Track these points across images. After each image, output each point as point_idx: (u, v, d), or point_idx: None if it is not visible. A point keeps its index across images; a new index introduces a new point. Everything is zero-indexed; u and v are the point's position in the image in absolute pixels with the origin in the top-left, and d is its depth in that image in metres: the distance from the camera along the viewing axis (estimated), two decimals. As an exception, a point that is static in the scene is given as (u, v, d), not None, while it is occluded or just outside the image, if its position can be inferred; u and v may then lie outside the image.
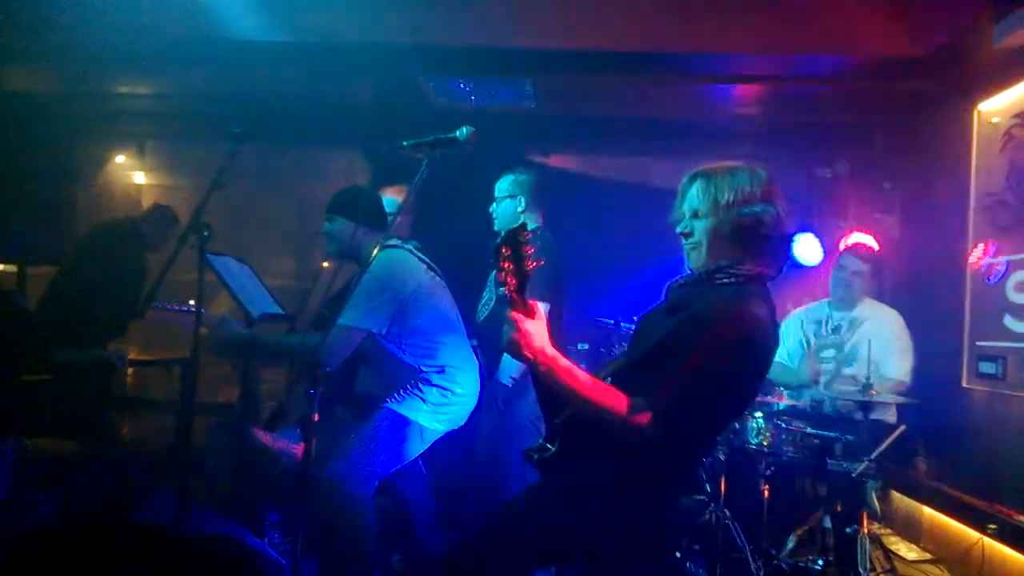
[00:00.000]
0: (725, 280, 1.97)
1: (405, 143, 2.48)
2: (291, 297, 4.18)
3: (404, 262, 3.23)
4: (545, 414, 2.16)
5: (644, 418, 1.81)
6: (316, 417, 2.46)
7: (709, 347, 1.83)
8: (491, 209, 3.86)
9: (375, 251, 3.10)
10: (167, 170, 6.28)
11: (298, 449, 3.82)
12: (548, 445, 2.05)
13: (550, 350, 1.86)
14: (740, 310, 1.88)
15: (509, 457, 3.60)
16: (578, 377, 1.87)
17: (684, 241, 2.08)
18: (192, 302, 3.09)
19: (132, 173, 6.30)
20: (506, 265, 1.85)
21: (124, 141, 6.09)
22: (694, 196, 2.05)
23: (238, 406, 4.12)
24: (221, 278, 3.31)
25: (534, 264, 1.85)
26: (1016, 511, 3.48)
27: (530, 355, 1.84)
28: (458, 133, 2.43)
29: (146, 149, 6.20)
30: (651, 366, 1.92)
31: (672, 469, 2.02)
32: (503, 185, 3.82)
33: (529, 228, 3.65)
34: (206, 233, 2.81)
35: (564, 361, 1.87)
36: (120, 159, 6.19)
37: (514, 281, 1.85)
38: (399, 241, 3.32)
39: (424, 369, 3.18)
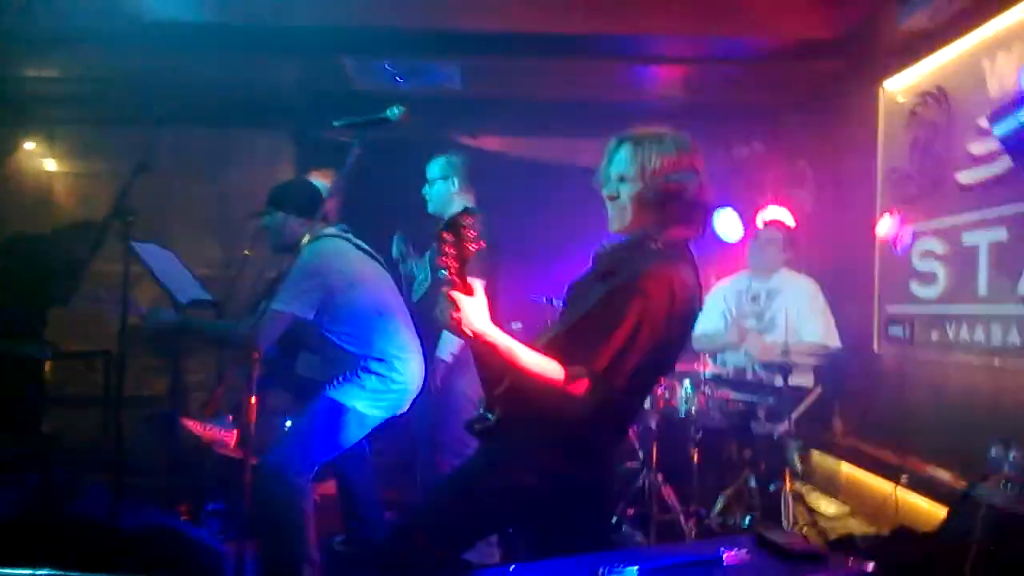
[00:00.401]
0: (652, 246, 2.04)
1: (336, 123, 2.47)
2: (216, 285, 4.11)
3: (335, 250, 3.21)
4: (484, 385, 2.20)
5: (581, 386, 1.89)
6: (253, 401, 2.45)
7: (641, 313, 1.90)
8: (424, 191, 3.86)
9: (305, 240, 3.09)
10: (80, 157, 6.01)
11: (230, 437, 3.78)
12: (488, 415, 2.10)
13: (490, 327, 1.91)
14: (669, 275, 1.96)
15: (448, 437, 3.63)
16: (517, 352, 1.92)
17: (609, 204, 2.15)
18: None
19: (43, 160, 6.03)
20: (448, 249, 1.90)
21: (33, 127, 5.82)
22: (622, 160, 2.10)
23: (168, 397, 4.05)
24: (146, 265, 3.24)
25: (475, 247, 1.90)
26: (925, 463, 3.70)
27: (471, 332, 1.89)
28: (389, 113, 2.44)
29: (57, 135, 5.93)
30: (584, 333, 1.98)
31: (607, 430, 2.09)
32: (435, 167, 3.81)
33: (458, 210, 3.74)
34: (131, 219, 2.75)
35: (504, 337, 1.92)
36: (29, 146, 5.92)
37: (455, 264, 1.90)
38: (335, 230, 3.29)
39: (363, 356, 3.16)
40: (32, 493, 3.09)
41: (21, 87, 5.27)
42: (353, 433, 3.17)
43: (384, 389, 3.17)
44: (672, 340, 2.02)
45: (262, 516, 3.00)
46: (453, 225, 1.89)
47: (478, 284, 1.97)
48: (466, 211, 1.93)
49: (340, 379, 3.15)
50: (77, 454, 3.77)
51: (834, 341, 4.21)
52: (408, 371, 3.26)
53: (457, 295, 1.89)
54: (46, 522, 2.72)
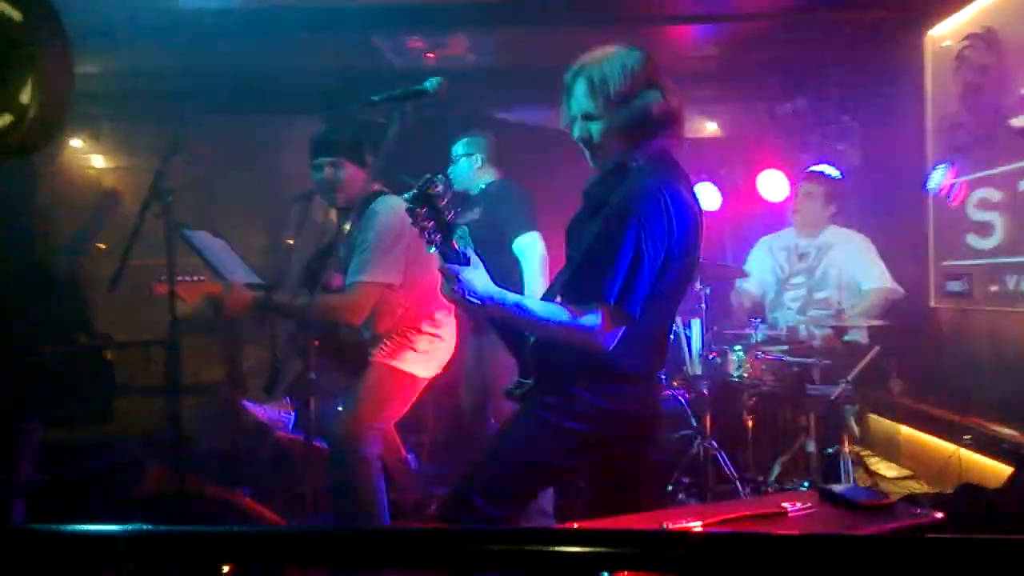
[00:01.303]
0: (634, 164, 2.01)
1: (375, 98, 2.46)
2: (262, 274, 4.15)
3: (403, 207, 3.19)
4: (512, 351, 2.19)
5: (598, 321, 1.86)
6: (312, 377, 2.48)
7: (638, 233, 1.87)
8: (449, 171, 3.87)
9: (368, 196, 3.02)
10: (126, 152, 6.11)
11: (287, 417, 3.85)
12: (524, 380, 2.09)
13: (494, 290, 1.88)
14: (657, 188, 1.92)
15: (498, 407, 3.65)
16: (527, 307, 1.90)
17: (584, 146, 2.10)
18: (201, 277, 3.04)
19: (90, 157, 6.15)
20: (427, 223, 1.86)
21: (79, 124, 5.92)
22: (581, 96, 2.05)
23: (225, 383, 4.13)
24: (199, 251, 3.27)
25: (452, 215, 1.87)
26: (988, 420, 3.61)
27: (476, 301, 1.86)
28: (427, 84, 2.42)
29: (103, 131, 6.04)
30: (590, 269, 1.94)
31: (640, 360, 2.04)
32: (458, 146, 3.86)
33: (485, 183, 3.75)
34: (170, 200, 2.76)
35: (511, 296, 1.90)
36: (76, 143, 6.05)
37: (439, 235, 1.87)
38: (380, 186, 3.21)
39: (414, 318, 3.15)
40: (101, 477, 3.19)
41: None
42: (410, 396, 3.18)
43: (433, 349, 3.18)
44: (680, 253, 1.97)
45: (335, 488, 3.04)
46: (422, 197, 1.84)
47: (471, 252, 1.92)
48: (429, 179, 1.86)
49: (390, 344, 3.12)
50: (142, 440, 3.86)
51: (893, 283, 4.07)
52: (450, 327, 3.27)
53: (453, 267, 1.86)
54: (114, 501, 2.81)
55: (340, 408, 3.09)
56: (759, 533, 0.85)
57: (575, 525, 1.67)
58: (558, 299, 2.00)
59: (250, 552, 0.90)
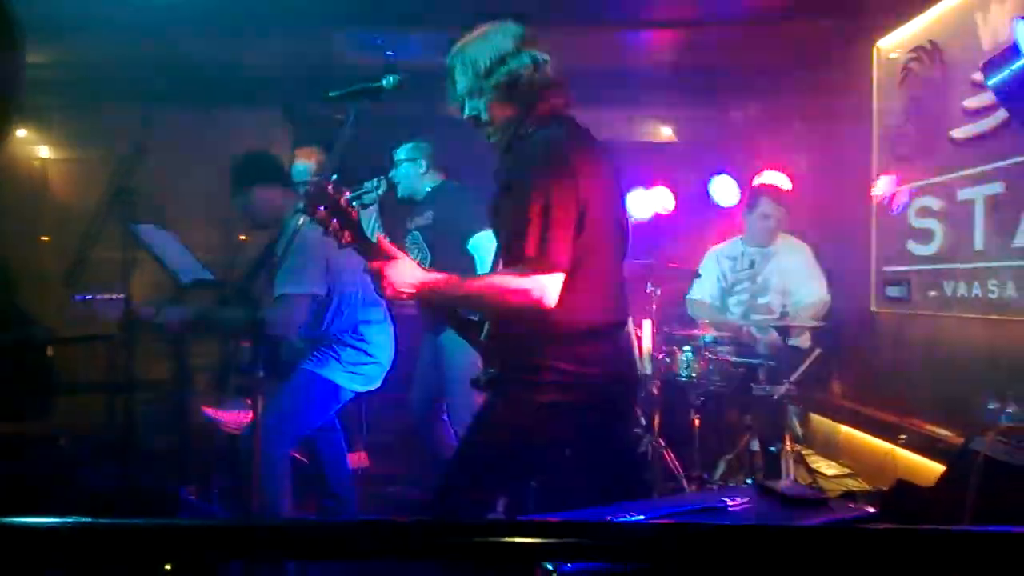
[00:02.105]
0: (528, 131, 2.06)
1: (331, 94, 2.45)
2: (217, 269, 4.10)
3: None
4: (472, 344, 2.18)
5: (527, 278, 1.85)
6: (260, 375, 2.46)
7: (544, 184, 1.89)
8: (391, 175, 3.87)
9: (291, 214, 3.05)
10: (74, 143, 5.99)
11: (241, 416, 3.79)
12: (489, 369, 2.08)
13: (424, 276, 1.91)
14: (550, 140, 1.98)
15: (452, 405, 3.66)
16: (461, 284, 1.94)
17: (476, 124, 2.14)
18: (118, 295, 3.01)
19: (36, 148, 6.00)
20: (333, 222, 1.85)
21: (25, 114, 5.76)
22: (460, 77, 2.12)
23: (174, 381, 4.05)
24: (145, 246, 3.23)
25: (355, 213, 1.87)
26: (924, 421, 3.74)
27: (409, 290, 1.88)
28: (384, 81, 2.40)
29: (50, 122, 5.90)
30: (513, 239, 1.95)
31: (591, 311, 2.00)
32: (402, 151, 3.87)
33: (430, 186, 3.76)
34: (131, 199, 2.74)
35: (441, 277, 1.93)
36: (22, 133, 5.89)
37: (348, 232, 1.86)
38: None
39: (340, 329, 3.18)
40: (42, 476, 3.12)
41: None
42: (331, 406, 3.21)
43: (361, 361, 3.20)
44: (597, 198, 1.97)
45: (245, 488, 3.02)
46: (318, 197, 1.84)
47: (387, 242, 1.93)
48: (325, 178, 1.86)
49: (317, 353, 3.16)
50: (86, 440, 3.78)
51: (828, 296, 4.22)
52: (381, 343, 3.28)
53: (377, 263, 1.86)
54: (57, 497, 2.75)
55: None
56: (698, 523, 0.88)
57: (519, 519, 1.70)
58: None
59: (194, 545, 0.90)
